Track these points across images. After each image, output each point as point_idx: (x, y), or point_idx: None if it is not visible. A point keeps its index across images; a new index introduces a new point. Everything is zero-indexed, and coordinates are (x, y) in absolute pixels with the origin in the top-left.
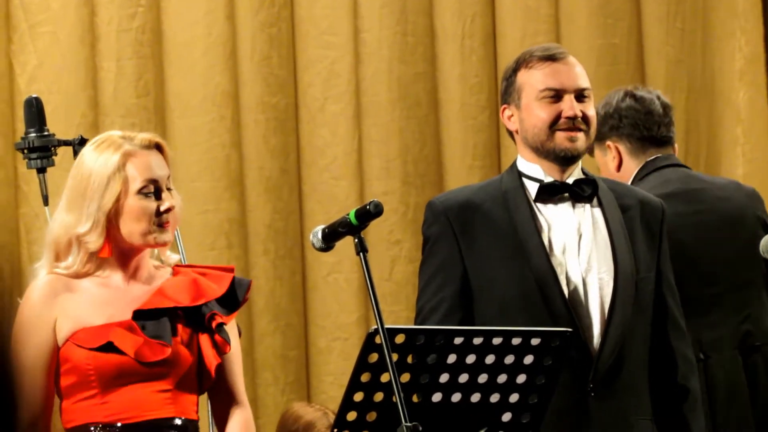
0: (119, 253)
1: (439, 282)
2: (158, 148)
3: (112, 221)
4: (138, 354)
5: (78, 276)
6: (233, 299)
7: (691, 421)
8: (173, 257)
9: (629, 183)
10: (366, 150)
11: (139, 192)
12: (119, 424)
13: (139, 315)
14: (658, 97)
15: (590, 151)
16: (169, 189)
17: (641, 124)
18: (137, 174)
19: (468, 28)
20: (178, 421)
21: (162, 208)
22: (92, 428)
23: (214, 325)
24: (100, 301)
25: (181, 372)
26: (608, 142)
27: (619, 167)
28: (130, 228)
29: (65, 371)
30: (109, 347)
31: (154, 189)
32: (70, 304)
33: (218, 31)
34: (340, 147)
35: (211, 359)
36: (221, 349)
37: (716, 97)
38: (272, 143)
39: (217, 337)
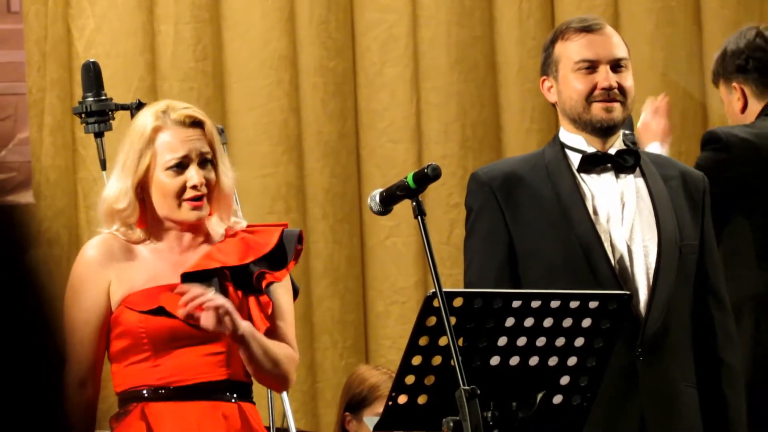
0: (161, 223)
1: (486, 253)
2: (197, 124)
3: (144, 194)
4: (188, 317)
5: (131, 242)
6: (283, 254)
7: (729, 396)
8: (241, 223)
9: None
10: (424, 113)
11: (167, 168)
12: (171, 387)
13: (188, 278)
14: None
15: (717, 85)
16: (208, 163)
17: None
18: (165, 149)
19: None
20: (230, 384)
21: (189, 184)
22: (144, 391)
23: (264, 284)
24: (153, 268)
25: None
26: (734, 83)
27: (743, 109)
28: (158, 202)
29: (117, 335)
30: (159, 311)
31: (182, 165)
32: (125, 268)
33: None
34: (399, 110)
35: (259, 322)
36: (264, 309)
37: None
38: (330, 107)
39: (261, 297)
